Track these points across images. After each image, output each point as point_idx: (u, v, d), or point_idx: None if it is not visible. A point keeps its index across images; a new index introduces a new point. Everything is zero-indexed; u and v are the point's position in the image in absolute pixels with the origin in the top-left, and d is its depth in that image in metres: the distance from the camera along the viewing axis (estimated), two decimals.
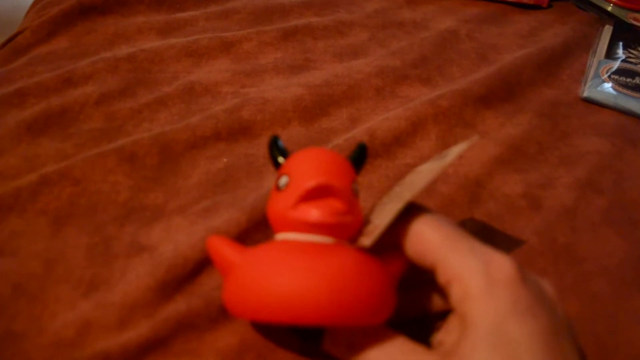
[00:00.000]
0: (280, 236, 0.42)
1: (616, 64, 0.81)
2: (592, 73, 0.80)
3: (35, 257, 0.49)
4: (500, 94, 0.74)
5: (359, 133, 0.63)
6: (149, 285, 0.47)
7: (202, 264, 0.50)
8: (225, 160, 0.60)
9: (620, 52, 0.85)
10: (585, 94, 0.76)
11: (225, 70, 0.73)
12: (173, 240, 0.51)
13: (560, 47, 0.86)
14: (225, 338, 0.46)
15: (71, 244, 0.50)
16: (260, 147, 0.62)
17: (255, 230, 0.53)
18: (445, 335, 0.40)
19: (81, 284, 0.47)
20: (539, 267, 0.54)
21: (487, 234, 0.56)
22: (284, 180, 0.42)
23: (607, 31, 0.91)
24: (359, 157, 0.47)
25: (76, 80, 0.68)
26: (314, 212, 0.40)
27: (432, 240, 0.40)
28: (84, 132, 0.62)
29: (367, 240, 0.40)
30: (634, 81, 0.78)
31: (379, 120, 0.66)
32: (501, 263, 0.38)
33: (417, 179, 0.44)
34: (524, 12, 0.97)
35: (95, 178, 0.56)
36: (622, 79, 0.78)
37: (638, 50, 0.86)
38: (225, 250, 0.42)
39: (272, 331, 0.46)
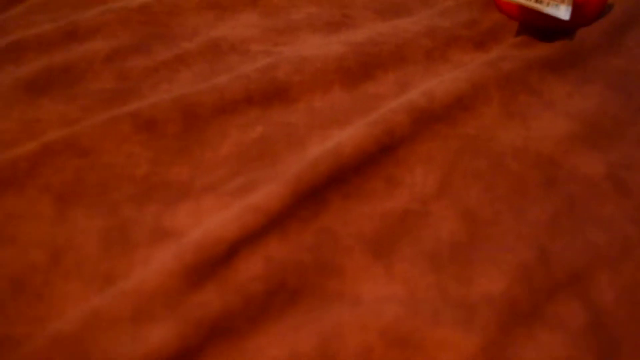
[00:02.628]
0: None
1: None
2: None
3: (38, 246, 0.40)
4: (565, 59, 0.65)
5: (414, 96, 0.54)
6: (172, 269, 0.38)
7: (238, 246, 0.41)
8: (260, 129, 0.51)
9: None
10: None
11: (254, 26, 0.63)
12: (204, 224, 0.42)
13: (621, 9, 0.77)
14: (272, 348, 0.37)
15: (81, 228, 0.41)
16: (299, 113, 0.53)
17: (302, 207, 0.44)
18: None
19: (95, 278, 0.39)
20: None
21: (573, 219, 0.48)
22: None
23: None
24: None
25: (82, 33, 0.59)
26: None
27: None
28: (92, 92, 0.53)
29: None
30: None
31: (436, 82, 0.57)
32: None
33: None
34: None
35: (106, 148, 0.47)
36: None
37: None
38: None
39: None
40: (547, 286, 0.44)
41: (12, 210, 0.42)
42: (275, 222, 0.42)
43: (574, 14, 0.67)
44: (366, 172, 0.48)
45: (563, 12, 0.63)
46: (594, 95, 0.62)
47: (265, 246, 0.41)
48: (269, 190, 0.44)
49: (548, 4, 0.64)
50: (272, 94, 0.54)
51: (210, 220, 0.42)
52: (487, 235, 0.46)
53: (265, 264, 0.40)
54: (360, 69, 0.59)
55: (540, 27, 0.68)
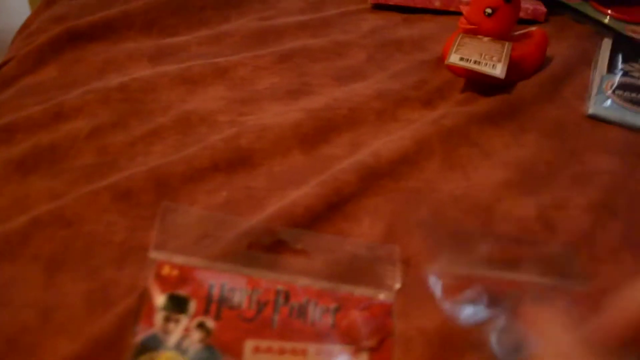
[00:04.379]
0: None
1: (617, 78, 0.79)
2: (595, 89, 0.78)
3: (29, 307, 0.46)
4: (504, 111, 0.72)
5: (362, 156, 0.61)
6: None
7: None
8: (224, 194, 0.57)
9: (620, 65, 0.83)
10: (591, 111, 0.75)
11: (221, 98, 0.70)
12: None
13: (561, 63, 0.84)
14: None
15: (67, 291, 0.47)
16: (260, 178, 0.59)
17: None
18: None
19: (81, 335, 0.44)
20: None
21: (505, 258, 0.54)
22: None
23: (607, 45, 0.89)
24: None
25: (66, 113, 0.66)
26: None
27: None
28: (76, 168, 0.59)
29: None
30: (638, 96, 0.76)
31: (383, 142, 0.64)
32: None
33: None
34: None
35: (88, 218, 0.53)
36: (627, 94, 0.76)
37: (639, 63, 0.84)
38: None
39: None
40: None
41: (7, 278, 0.48)
42: None
43: (512, 70, 0.74)
44: (317, 228, 0.54)
45: (499, 72, 0.71)
46: (530, 144, 0.69)
47: None
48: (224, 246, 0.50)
49: (486, 65, 0.72)
50: (236, 161, 0.61)
51: None
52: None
53: None
54: (316, 134, 0.65)
55: (484, 83, 0.75)
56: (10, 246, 0.50)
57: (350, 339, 0.46)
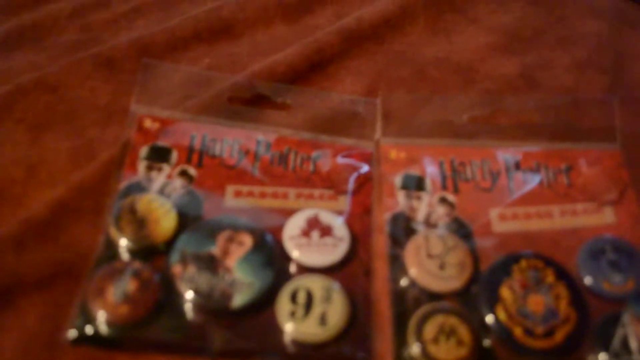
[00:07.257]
0: None
1: None
2: None
3: (15, 164, 0.47)
4: None
5: (346, 22, 0.61)
6: None
7: None
8: (207, 60, 0.57)
9: None
10: None
11: None
12: None
13: None
14: None
15: (52, 148, 0.48)
16: (243, 46, 0.59)
17: None
18: None
19: (64, 183, 0.45)
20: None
21: (486, 105, 0.54)
22: None
23: None
24: None
25: None
26: None
27: None
28: (59, 44, 0.59)
29: None
30: None
31: (367, 9, 0.63)
32: None
33: None
34: None
35: (72, 84, 0.54)
36: None
37: None
38: None
39: None
40: None
41: None
42: None
43: None
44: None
45: None
46: (516, 11, 0.68)
47: None
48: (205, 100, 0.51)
49: None
50: (218, 31, 0.60)
51: None
52: None
53: None
54: (300, 4, 0.65)
55: None
56: None
57: (330, 183, 0.47)
